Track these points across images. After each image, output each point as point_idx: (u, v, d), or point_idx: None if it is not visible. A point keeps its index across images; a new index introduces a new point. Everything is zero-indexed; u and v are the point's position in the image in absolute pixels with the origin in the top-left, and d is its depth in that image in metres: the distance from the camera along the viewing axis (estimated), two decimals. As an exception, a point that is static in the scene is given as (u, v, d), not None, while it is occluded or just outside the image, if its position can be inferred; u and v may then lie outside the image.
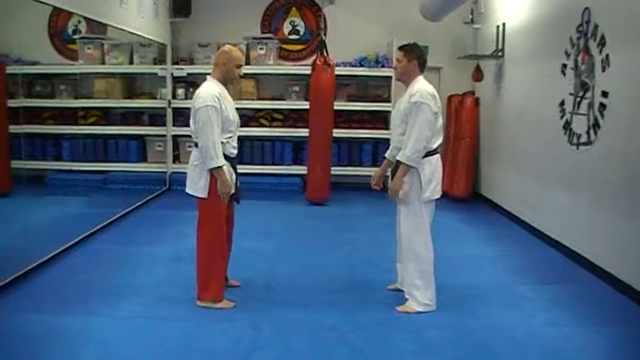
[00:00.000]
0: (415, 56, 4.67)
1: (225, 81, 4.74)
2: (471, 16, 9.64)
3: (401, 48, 4.78)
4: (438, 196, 4.70)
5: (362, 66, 9.62)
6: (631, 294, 5.04)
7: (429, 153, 4.58)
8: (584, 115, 5.94)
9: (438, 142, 4.64)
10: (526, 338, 4.27)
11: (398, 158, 4.57)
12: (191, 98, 9.88)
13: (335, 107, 8.90)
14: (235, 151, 4.79)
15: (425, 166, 4.57)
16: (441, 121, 4.67)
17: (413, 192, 4.61)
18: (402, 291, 4.86)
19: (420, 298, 4.66)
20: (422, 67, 4.71)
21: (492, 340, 4.22)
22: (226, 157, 4.61)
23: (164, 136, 9.69)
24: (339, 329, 4.33)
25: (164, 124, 9.65)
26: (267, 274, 5.49)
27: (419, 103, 4.48)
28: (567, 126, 6.30)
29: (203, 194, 4.61)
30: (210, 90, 4.57)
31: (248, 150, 9.79)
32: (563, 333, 4.38)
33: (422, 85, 4.60)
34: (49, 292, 4.95)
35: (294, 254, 6.24)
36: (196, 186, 4.63)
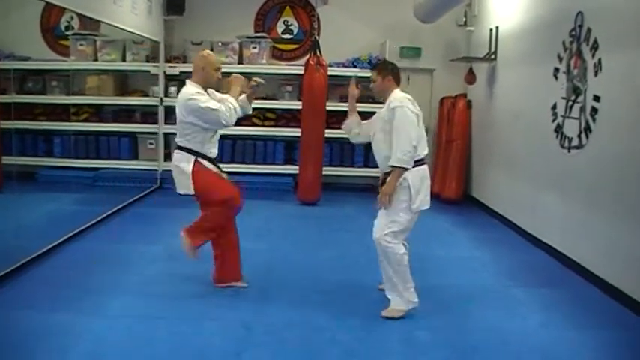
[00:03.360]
0: (388, 72, 4.73)
1: (205, 85, 4.88)
2: (464, 19, 9.70)
3: (373, 68, 4.89)
4: (427, 206, 4.65)
5: (355, 67, 9.62)
6: (620, 297, 5.07)
7: (417, 163, 4.56)
8: (575, 118, 5.96)
9: (424, 151, 4.63)
10: (518, 341, 4.29)
11: (390, 164, 4.54)
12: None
13: (327, 107, 8.89)
14: (216, 151, 5.01)
15: (413, 176, 4.55)
16: (424, 129, 4.68)
17: (400, 202, 4.57)
18: None
19: (400, 296, 4.63)
20: (397, 80, 4.75)
21: (484, 342, 4.24)
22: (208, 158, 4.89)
23: (156, 133, 9.66)
24: (330, 329, 4.33)
25: (156, 122, 9.63)
26: (258, 274, 5.48)
27: (398, 106, 4.50)
28: (559, 129, 6.33)
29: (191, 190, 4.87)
30: (191, 89, 4.80)
31: (240, 149, 9.79)
32: (554, 336, 4.40)
33: (399, 94, 4.64)
34: (40, 290, 4.93)
35: (285, 254, 6.24)
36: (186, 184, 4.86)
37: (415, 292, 4.65)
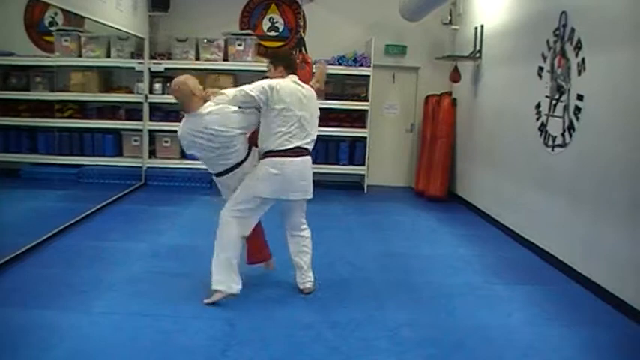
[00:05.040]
0: (279, 63, 4.93)
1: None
2: (449, 17, 9.73)
3: (269, 59, 5.08)
4: (268, 196, 4.85)
5: (340, 64, 9.63)
6: (603, 294, 5.12)
7: (268, 154, 4.75)
8: (559, 117, 6.01)
9: (282, 143, 4.79)
10: (502, 337, 4.32)
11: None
12: (168, 93, 9.78)
13: (313, 105, 8.88)
14: None
15: (260, 163, 4.78)
16: (294, 123, 4.91)
17: (248, 177, 4.78)
18: None
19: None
20: (289, 69, 4.94)
21: (468, 338, 4.26)
22: None
23: (140, 130, 9.62)
24: (315, 327, 4.34)
25: (141, 119, 9.58)
26: (243, 271, 5.48)
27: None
28: (543, 128, 6.37)
29: None
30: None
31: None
32: (538, 332, 4.44)
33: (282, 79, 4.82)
34: (23, 287, 4.90)
35: (270, 252, 6.22)
36: None
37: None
